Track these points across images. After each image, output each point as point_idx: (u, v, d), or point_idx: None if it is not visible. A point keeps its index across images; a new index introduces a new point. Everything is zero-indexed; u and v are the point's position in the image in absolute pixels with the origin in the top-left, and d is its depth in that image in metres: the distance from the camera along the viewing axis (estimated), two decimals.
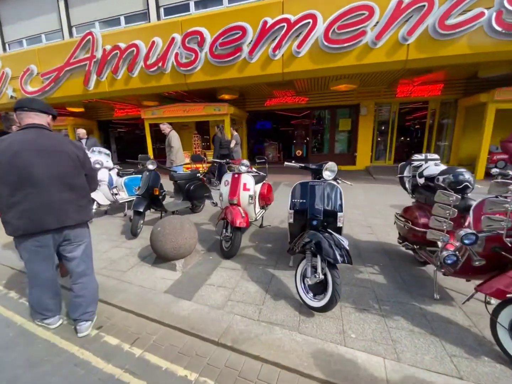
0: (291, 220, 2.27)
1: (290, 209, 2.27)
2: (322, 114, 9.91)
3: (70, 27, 11.64)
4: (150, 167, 3.69)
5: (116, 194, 4.81)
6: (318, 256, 1.87)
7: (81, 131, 7.59)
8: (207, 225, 4.19)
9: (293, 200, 2.27)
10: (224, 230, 2.96)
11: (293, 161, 2.58)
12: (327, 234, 1.92)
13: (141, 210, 3.48)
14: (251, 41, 6.62)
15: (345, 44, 6.01)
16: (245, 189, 3.08)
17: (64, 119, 10.62)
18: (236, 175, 3.13)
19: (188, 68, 7.22)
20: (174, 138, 5.93)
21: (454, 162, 8.82)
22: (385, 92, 8.72)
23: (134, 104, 10.67)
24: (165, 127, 5.95)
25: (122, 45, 7.72)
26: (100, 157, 4.46)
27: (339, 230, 2.15)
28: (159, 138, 14.25)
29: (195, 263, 2.87)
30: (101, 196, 4.42)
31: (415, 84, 8.29)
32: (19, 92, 9.28)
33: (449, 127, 8.93)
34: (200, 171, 4.84)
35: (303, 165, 2.29)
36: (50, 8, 11.65)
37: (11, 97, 9.38)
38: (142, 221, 3.68)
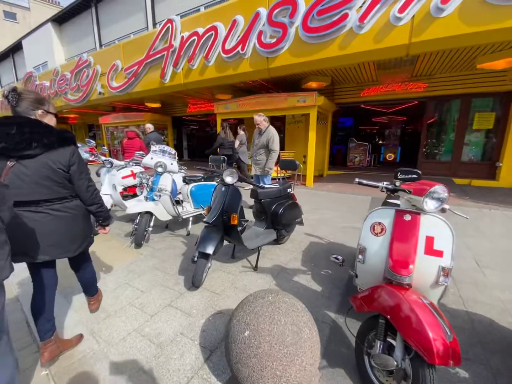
0: None
1: None
2: (445, 106, 7.20)
3: (154, 24, 11.78)
4: (228, 180, 2.32)
5: (179, 204, 3.74)
6: None
7: (148, 126, 6.93)
8: (305, 275, 2.62)
9: None
10: (381, 345, 1.31)
11: None
12: None
13: (210, 252, 2.13)
14: (364, 2, 4.75)
15: None
16: (430, 251, 1.37)
17: (143, 114, 10.71)
18: (408, 216, 1.44)
19: (273, 49, 5.82)
20: (276, 138, 4.18)
21: None
22: None
23: (207, 98, 9.98)
24: (262, 120, 4.24)
25: (200, 30, 6.85)
26: (163, 159, 3.38)
27: None
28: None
29: None
30: (160, 210, 3.35)
31: None
32: (106, 89, 9.57)
33: None
34: (291, 184, 3.32)
35: None
36: (138, 8, 12.02)
37: (100, 93, 9.76)
38: (209, 265, 2.35)
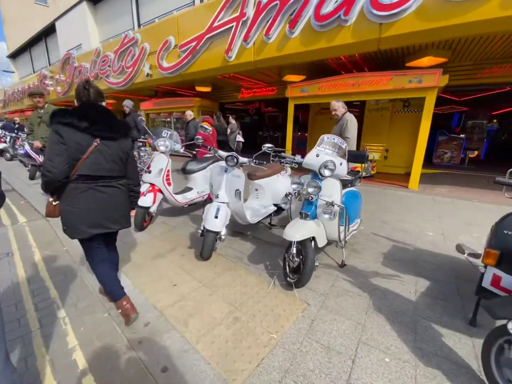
0: None
1: None
2: None
3: None
4: None
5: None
6: None
7: (188, 112, 6.63)
8: None
9: None
10: None
11: None
12: None
13: None
14: None
15: None
16: None
17: (192, 99, 9.62)
18: None
19: (393, 11, 4.43)
20: (351, 124, 3.76)
21: None
22: None
23: (268, 81, 8.72)
24: (340, 106, 3.89)
25: None
26: (331, 156, 2.20)
27: None
28: (272, 125, 12.33)
29: None
30: (321, 233, 2.22)
31: None
32: (155, 70, 8.50)
33: None
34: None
35: None
36: None
37: (147, 74, 8.70)
38: None
